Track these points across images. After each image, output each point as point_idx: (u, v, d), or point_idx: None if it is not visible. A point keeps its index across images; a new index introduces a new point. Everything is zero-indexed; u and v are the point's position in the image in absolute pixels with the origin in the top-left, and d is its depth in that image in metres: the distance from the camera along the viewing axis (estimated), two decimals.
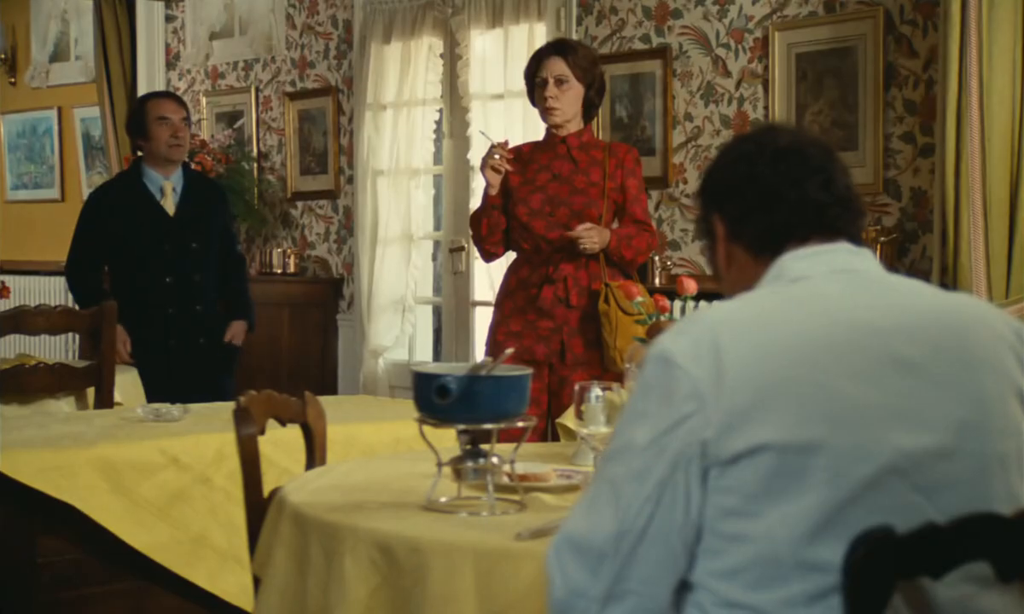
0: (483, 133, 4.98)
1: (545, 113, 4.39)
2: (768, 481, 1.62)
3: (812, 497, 1.61)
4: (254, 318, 5.43)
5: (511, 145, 4.50)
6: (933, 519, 1.57)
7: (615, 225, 4.40)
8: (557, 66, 4.36)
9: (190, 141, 5.62)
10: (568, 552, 1.71)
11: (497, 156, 4.37)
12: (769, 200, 1.80)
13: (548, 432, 4.13)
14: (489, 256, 4.58)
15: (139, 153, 5.31)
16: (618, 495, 1.68)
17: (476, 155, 4.49)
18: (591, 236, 4.26)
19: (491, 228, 4.43)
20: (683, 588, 1.70)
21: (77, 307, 5.08)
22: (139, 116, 5.27)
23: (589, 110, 4.45)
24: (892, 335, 1.69)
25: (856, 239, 1.82)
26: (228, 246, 5.42)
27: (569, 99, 4.37)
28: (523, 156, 4.47)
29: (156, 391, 4.69)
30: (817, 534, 1.61)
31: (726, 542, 1.65)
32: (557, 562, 1.71)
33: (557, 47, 4.48)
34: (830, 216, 1.80)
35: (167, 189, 5.23)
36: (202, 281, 5.25)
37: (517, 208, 4.38)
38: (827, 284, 1.75)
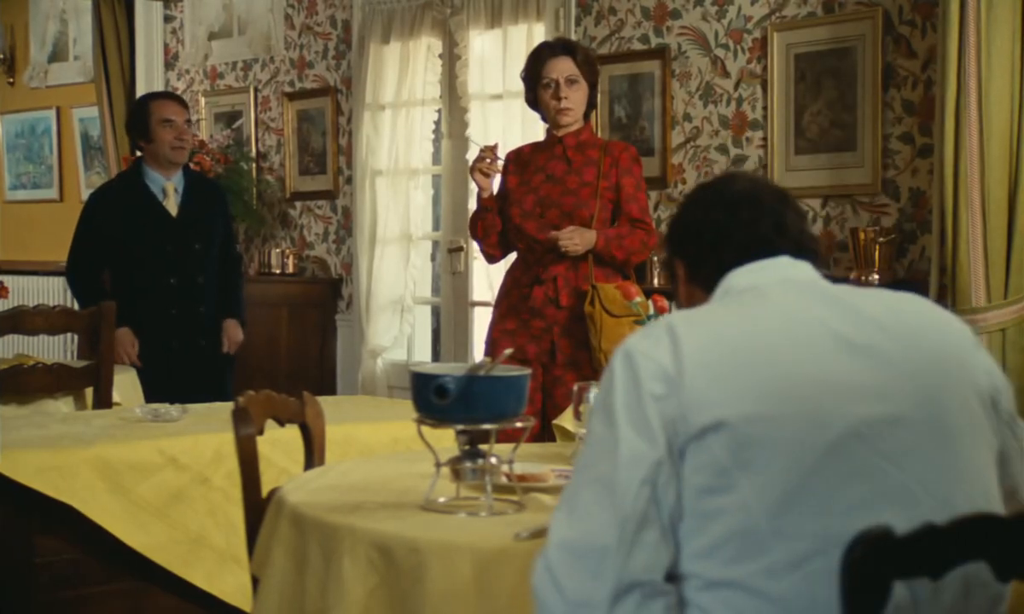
0: (470, 139, 4.98)
1: (559, 114, 4.34)
2: (735, 453, 1.66)
3: (778, 465, 1.66)
4: (245, 315, 5.41)
5: (509, 149, 4.49)
6: (904, 485, 1.65)
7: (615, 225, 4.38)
8: (567, 66, 4.33)
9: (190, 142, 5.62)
10: (564, 561, 1.67)
11: (487, 160, 4.36)
12: (722, 243, 1.90)
13: (544, 431, 4.13)
14: (490, 258, 4.59)
15: (138, 153, 5.30)
16: (611, 489, 1.68)
17: (474, 156, 4.48)
18: (572, 238, 4.24)
19: (486, 230, 4.43)
20: (669, 581, 1.70)
21: (78, 308, 5.08)
22: (141, 117, 5.24)
23: (588, 108, 4.44)
24: (842, 326, 1.77)
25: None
26: (227, 246, 5.42)
27: (579, 98, 4.35)
28: (523, 157, 4.47)
29: (156, 391, 4.69)
30: (788, 502, 1.65)
31: (704, 520, 1.68)
32: (550, 578, 1.68)
33: (565, 47, 4.42)
34: (777, 249, 1.89)
35: (169, 190, 5.22)
36: (204, 282, 5.24)
37: (511, 209, 4.38)
38: (775, 291, 1.84)
